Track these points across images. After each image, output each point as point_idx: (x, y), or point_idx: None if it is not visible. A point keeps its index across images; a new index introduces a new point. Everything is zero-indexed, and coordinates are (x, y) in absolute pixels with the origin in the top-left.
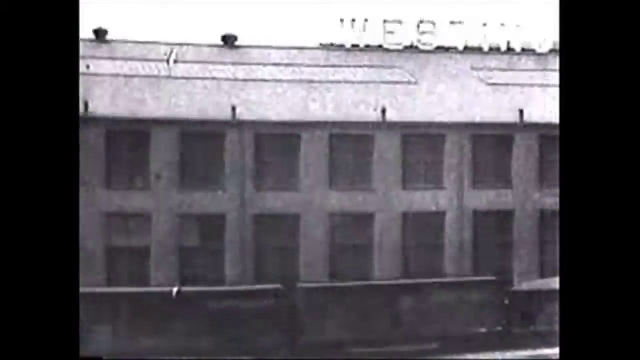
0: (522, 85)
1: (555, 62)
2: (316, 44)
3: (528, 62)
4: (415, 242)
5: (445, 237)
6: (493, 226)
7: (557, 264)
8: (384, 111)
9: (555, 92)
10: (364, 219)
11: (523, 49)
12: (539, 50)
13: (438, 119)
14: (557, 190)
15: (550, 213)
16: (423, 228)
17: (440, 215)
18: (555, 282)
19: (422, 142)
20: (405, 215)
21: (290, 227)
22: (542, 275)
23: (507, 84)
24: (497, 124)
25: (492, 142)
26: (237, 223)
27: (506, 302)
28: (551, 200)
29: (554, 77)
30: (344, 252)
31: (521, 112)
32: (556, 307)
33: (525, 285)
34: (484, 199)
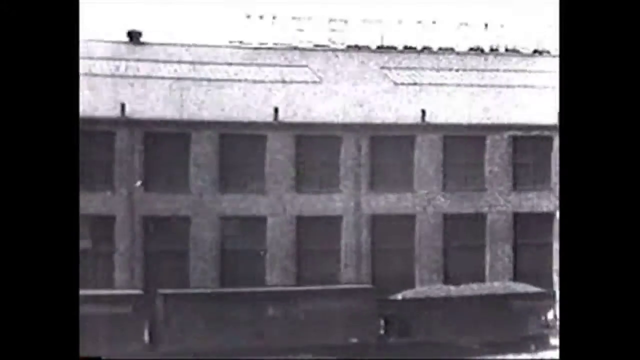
0: (433, 85)
1: (474, 61)
2: (226, 42)
3: (444, 61)
4: (310, 247)
5: (342, 243)
6: (393, 231)
7: (460, 270)
8: (276, 111)
9: (464, 91)
10: (256, 223)
11: (440, 48)
12: (457, 49)
13: (335, 119)
14: (461, 194)
15: (452, 217)
16: (318, 233)
17: (336, 219)
18: (434, 291)
19: (317, 143)
20: (299, 219)
21: (180, 231)
22: (446, 281)
23: (415, 84)
24: (398, 125)
25: (392, 143)
26: (128, 225)
27: (385, 311)
28: (454, 204)
29: (470, 77)
30: (234, 258)
31: (423, 112)
32: (433, 315)
33: (402, 295)
34: (384, 202)
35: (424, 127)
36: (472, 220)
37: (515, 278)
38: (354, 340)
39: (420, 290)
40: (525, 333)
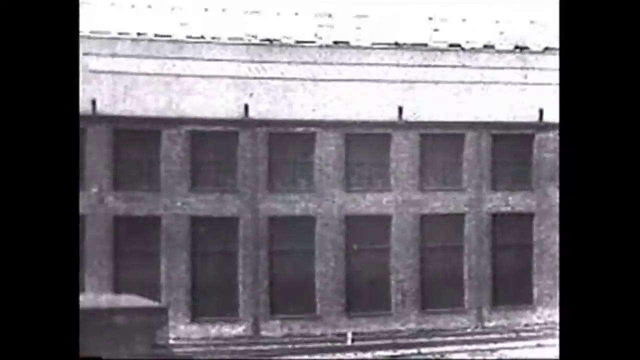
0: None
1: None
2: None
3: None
4: (208, 249)
5: (240, 245)
6: (295, 234)
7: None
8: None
9: (366, 86)
10: (151, 224)
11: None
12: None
13: (225, 115)
14: (365, 195)
15: (355, 217)
16: (215, 234)
17: (233, 221)
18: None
19: (212, 141)
20: (194, 219)
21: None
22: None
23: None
24: (298, 121)
25: (293, 140)
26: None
27: None
28: (359, 203)
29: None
30: (128, 259)
31: (400, 109)
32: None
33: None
34: (282, 204)
35: (325, 125)
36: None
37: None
38: None
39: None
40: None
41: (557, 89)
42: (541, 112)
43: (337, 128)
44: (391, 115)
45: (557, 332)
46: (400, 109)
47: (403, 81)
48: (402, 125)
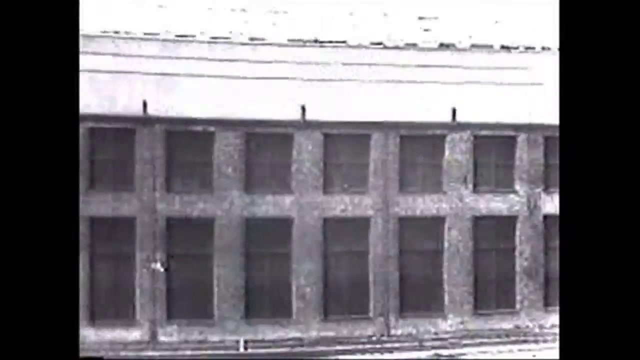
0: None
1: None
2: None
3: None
4: (104, 250)
5: (137, 246)
6: (193, 235)
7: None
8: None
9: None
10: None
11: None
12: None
13: (124, 111)
14: (265, 197)
15: (254, 220)
16: (110, 235)
17: (129, 221)
18: None
19: (110, 138)
20: (92, 220)
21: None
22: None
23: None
24: (197, 120)
25: (190, 140)
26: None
27: None
28: (259, 205)
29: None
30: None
31: (303, 108)
32: None
33: None
34: (179, 204)
35: (227, 124)
36: None
37: None
38: None
39: None
40: None
41: (473, 87)
42: (454, 111)
43: (237, 127)
44: (294, 114)
45: (468, 341)
46: (304, 108)
47: (305, 79)
48: (305, 124)
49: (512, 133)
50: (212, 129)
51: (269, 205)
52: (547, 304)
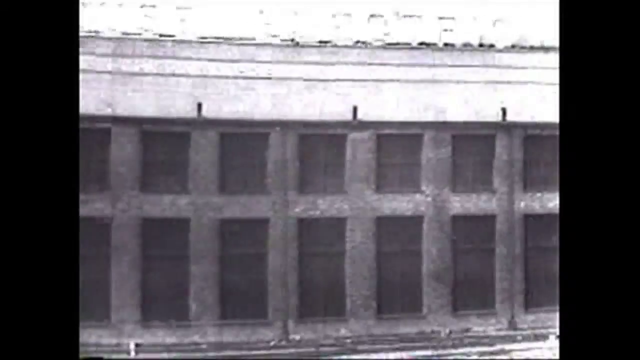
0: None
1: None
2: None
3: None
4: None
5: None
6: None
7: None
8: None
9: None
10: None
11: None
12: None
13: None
14: (162, 197)
15: (151, 220)
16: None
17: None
18: None
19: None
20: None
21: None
22: None
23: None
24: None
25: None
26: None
27: None
28: (155, 205)
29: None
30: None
31: (199, 105)
32: None
33: None
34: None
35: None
36: None
37: None
38: None
39: None
40: None
41: (377, 84)
42: (355, 109)
43: (134, 125)
44: (190, 111)
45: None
46: (200, 105)
47: (204, 76)
48: (202, 122)
49: (418, 131)
50: (108, 126)
51: (165, 206)
52: (456, 308)
